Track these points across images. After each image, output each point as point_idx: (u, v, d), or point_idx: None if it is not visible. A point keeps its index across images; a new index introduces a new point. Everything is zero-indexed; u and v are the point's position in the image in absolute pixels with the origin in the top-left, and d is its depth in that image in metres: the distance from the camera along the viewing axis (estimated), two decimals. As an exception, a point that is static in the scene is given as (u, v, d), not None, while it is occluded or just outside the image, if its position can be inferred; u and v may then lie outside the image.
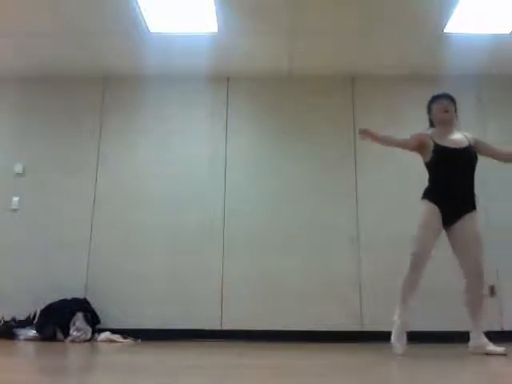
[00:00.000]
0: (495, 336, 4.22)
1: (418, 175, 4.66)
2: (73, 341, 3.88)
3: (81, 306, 4.16)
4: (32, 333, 3.98)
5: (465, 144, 3.18)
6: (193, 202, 4.63)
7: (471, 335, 3.22)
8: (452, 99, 3.29)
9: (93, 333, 4.08)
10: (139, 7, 3.85)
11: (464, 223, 3.11)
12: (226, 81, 4.90)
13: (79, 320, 4.02)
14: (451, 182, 3.13)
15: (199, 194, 4.65)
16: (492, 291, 4.36)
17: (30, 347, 3.30)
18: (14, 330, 4.05)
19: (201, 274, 4.46)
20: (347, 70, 4.80)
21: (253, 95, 4.86)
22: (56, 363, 2.24)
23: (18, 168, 4.70)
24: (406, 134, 4.76)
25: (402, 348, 3.12)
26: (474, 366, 2.28)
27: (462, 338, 4.01)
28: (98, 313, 4.24)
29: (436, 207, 3.11)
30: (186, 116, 4.83)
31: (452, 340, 4.17)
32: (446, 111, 3.22)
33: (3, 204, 4.63)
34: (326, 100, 4.84)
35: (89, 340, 3.99)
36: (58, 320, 4.00)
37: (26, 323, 4.13)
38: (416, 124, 4.79)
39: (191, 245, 4.53)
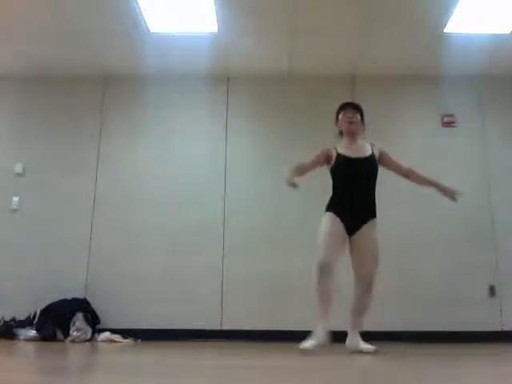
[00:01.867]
0: (495, 336, 4.24)
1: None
2: (73, 341, 3.88)
3: (81, 306, 4.16)
4: (32, 333, 3.98)
5: (367, 154, 3.19)
6: (193, 202, 4.63)
7: (348, 334, 3.21)
8: (358, 109, 3.29)
9: (93, 333, 4.08)
10: (139, 7, 3.85)
11: (363, 232, 3.11)
12: (226, 81, 4.90)
13: (79, 320, 4.02)
14: (350, 191, 3.15)
15: (199, 194, 4.65)
16: (492, 291, 4.36)
17: (30, 347, 3.30)
18: (14, 329, 4.05)
19: (201, 274, 4.46)
20: (347, 70, 4.80)
21: (253, 95, 4.86)
22: (56, 363, 2.24)
23: (18, 168, 4.70)
24: (405, 133, 4.78)
25: (315, 346, 3.03)
26: (476, 367, 2.28)
27: (451, 337, 4.01)
28: (98, 313, 4.24)
29: (337, 217, 3.10)
30: (186, 116, 4.83)
31: (442, 340, 4.18)
32: (351, 122, 3.22)
33: (3, 204, 4.63)
34: (325, 100, 4.84)
35: (89, 340, 3.99)
36: (58, 320, 4.00)
37: (26, 323, 4.13)
38: (416, 124, 4.81)
39: (191, 245, 4.53)
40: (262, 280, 4.43)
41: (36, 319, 4.11)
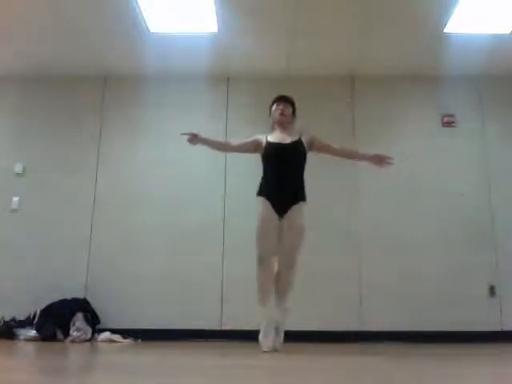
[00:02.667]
0: (495, 336, 4.24)
1: (419, 174, 4.68)
2: (73, 341, 3.88)
3: (81, 306, 4.16)
4: (32, 333, 3.98)
5: (294, 140, 3.33)
6: (193, 202, 4.63)
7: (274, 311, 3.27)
8: (290, 102, 3.48)
9: (93, 333, 4.08)
10: (139, 7, 3.85)
11: (291, 215, 3.21)
12: (226, 81, 4.90)
13: (79, 320, 4.02)
14: (278, 175, 3.26)
15: (199, 194, 4.65)
16: (492, 291, 4.36)
17: (30, 347, 3.30)
18: (14, 329, 4.05)
19: (201, 274, 4.46)
20: (347, 70, 4.80)
21: (253, 95, 4.85)
22: (56, 363, 2.24)
23: (18, 168, 4.70)
24: (405, 133, 4.78)
25: (268, 344, 3.15)
26: (476, 367, 2.28)
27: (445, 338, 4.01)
28: (98, 313, 4.24)
29: (267, 201, 3.21)
30: (185, 116, 4.83)
31: (438, 340, 4.18)
32: (282, 113, 3.41)
33: (3, 204, 4.62)
34: (325, 100, 4.84)
35: (89, 340, 3.99)
36: (58, 320, 4.00)
37: (26, 323, 4.13)
38: (416, 124, 4.81)
39: (191, 245, 4.53)
40: (262, 280, 4.42)
41: (36, 319, 4.11)
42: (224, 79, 4.89)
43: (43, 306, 4.13)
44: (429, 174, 4.67)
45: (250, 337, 4.24)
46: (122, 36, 4.27)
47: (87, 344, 3.76)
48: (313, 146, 3.40)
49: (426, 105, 4.81)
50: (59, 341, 3.91)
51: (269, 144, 3.34)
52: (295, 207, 3.22)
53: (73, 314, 4.04)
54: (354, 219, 4.56)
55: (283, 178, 3.25)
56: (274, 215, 3.20)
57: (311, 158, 4.77)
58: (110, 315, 4.30)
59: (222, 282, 4.43)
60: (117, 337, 4.05)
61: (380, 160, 3.41)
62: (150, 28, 4.11)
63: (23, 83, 4.93)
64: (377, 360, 2.57)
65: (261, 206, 3.23)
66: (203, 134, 4.80)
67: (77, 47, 4.45)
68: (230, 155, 4.71)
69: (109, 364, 2.23)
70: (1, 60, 4.68)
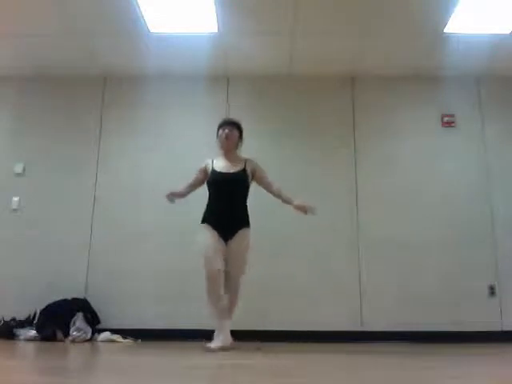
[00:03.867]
0: (495, 336, 4.24)
1: (418, 175, 4.68)
2: (73, 341, 3.88)
3: (81, 306, 4.16)
4: (32, 333, 3.98)
5: (238, 169, 3.48)
6: (193, 202, 4.62)
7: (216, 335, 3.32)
8: (236, 126, 3.59)
9: (93, 333, 4.07)
10: (139, 7, 3.85)
11: (234, 240, 3.37)
12: (226, 81, 4.90)
13: (79, 320, 4.01)
14: (221, 203, 3.42)
15: (199, 194, 4.63)
16: (492, 291, 4.36)
17: (30, 347, 3.30)
18: (14, 330, 4.05)
19: (201, 274, 4.44)
20: (347, 70, 4.80)
21: (253, 95, 4.86)
22: (56, 363, 2.24)
23: (18, 168, 4.70)
24: (405, 133, 4.78)
25: (217, 344, 3.23)
26: (476, 367, 2.28)
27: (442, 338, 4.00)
28: (98, 313, 4.24)
29: (212, 228, 3.37)
30: (185, 116, 4.83)
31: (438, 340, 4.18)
32: (227, 137, 3.52)
33: (3, 204, 4.62)
34: (326, 100, 4.84)
35: (89, 340, 3.99)
36: (58, 320, 3.99)
37: (26, 323, 4.12)
38: (416, 124, 4.81)
39: (191, 245, 4.51)
40: (262, 280, 4.42)
41: (36, 319, 4.11)
42: (224, 79, 4.89)
43: (43, 306, 4.12)
44: (428, 174, 4.67)
45: (250, 337, 4.25)
46: (122, 36, 4.27)
47: (87, 344, 3.76)
48: (254, 176, 3.54)
49: (426, 105, 4.81)
50: (59, 341, 3.91)
51: (213, 172, 3.49)
52: (239, 233, 3.38)
53: (73, 314, 4.04)
54: (353, 219, 4.56)
55: (227, 206, 3.41)
56: (219, 240, 3.35)
57: (315, 158, 4.79)
58: (109, 315, 4.30)
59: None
60: (117, 337, 4.05)
61: (303, 209, 3.49)
62: (149, 28, 4.11)
63: (23, 83, 4.93)
64: (377, 360, 2.57)
65: (205, 232, 3.38)
66: (203, 134, 4.83)
67: (77, 47, 4.45)
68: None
69: (109, 364, 2.23)
70: (1, 60, 4.68)
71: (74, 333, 3.93)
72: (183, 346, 3.56)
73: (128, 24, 4.08)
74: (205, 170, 3.57)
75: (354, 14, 3.93)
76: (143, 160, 4.73)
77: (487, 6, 3.79)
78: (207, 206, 3.49)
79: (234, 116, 4.81)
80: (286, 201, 3.53)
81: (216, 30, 4.13)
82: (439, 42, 4.31)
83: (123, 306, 4.36)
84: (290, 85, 4.88)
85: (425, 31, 4.16)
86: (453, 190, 4.60)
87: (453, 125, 4.75)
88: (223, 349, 3.19)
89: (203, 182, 3.59)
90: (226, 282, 3.37)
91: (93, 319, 4.15)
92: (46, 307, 4.11)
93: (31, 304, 4.20)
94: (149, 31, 4.16)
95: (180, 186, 3.63)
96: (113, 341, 4.00)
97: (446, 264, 4.45)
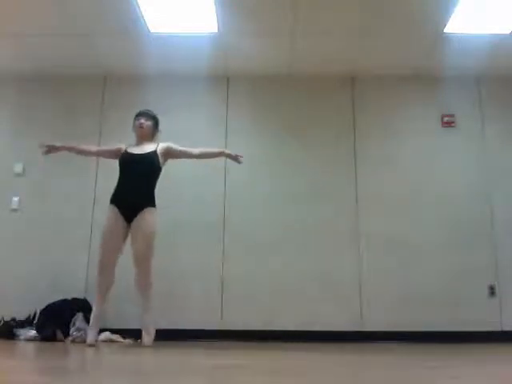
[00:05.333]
0: (495, 336, 4.24)
1: (418, 175, 4.68)
2: (73, 341, 3.88)
3: (81, 306, 4.16)
4: (32, 333, 3.98)
5: (148, 151, 3.61)
6: (193, 202, 4.63)
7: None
8: (152, 117, 3.76)
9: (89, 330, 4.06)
10: (139, 7, 3.85)
11: (138, 219, 3.47)
12: (226, 81, 4.90)
13: (79, 320, 4.01)
14: (128, 182, 3.55)
15: (199, 194, 4.65)
16: (492, 291, 4.36)
17: (30, 347, 3.30)
18: (14, 329, 4.04)
19: (201, 274, 4.46)
20: (347, 70, 4.80)
21: (253, 95, 4.86)
22: (56, 363, 2.24)
23: (18, 168, 4.70)
24: (405, 133, 4.78)
25: (92, 338, 3.41)
26: (476, 367, 2.28)
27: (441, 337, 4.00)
28: (98, 313, 4.23)
29: (116, 208, 3.49)
30: (185, 116, 4.83)
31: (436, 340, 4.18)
32: (141, 126, 3.69)
33: (3, 204, 4.63)
34: (325, 100, 4.85)
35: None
36: (58, 320, 3.99)
37: (26, 323, 4.12)
38: (416, 124, 4.81)
39: (191, 245, 4.53)
40: (262, 280, 4.43)
41: (36, 319, 4.11)
42: (224, 79, 4.90)
43: (43, 306, 4.12)
44: (428, 174, 4.67)
45: (249, 337, 4.26)
46: (122, 36, 4.27)
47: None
48: (169, 154, 3.68)
49: (426, 105, 4.81)
50: (59, 341, 3.91)
51: (125, 153, 3.62)
52: (145, 211, 3.48)
53: (73, 314, 4.04)
54: (354, 219, 4.56)
55: (132, 185, 3.53)
56: (120, 222, 3.47)
57: (315, 158, 4.79)
58: (109, 315, 4.29)
59: (222, 281, 4.43)
60: (117, 337, 4.05)
61: (234, 157, 3.73)
62: (150, 28, 4.11)
63: (23, 83, 4.93)
64: (377, 360, 2.57)
65: (108, 213, 3.51)
66: (203, 134, 4.84)
67: (77, 47, 4.45)
68: (230, 155, 4.72)
69: (109, 364, 2.23)
70: (1, 60, 4.68)
71: (74, 333, 3.93)
72: (183, 346, 3.56)
73: (128, 24, 4.08)
74: (118, 150, 3.68)
75: (353, 14, 3.93)
76: (143, 160, 4.72)
77: (487, 5, 3.79)
78: (116, 185, 3.58)
79: (234, 116, 4.84)
80: (216, 154, 3.77)
81: (216, 30, 4.14)
82: (439, 41, 4.31)
83: (123, 306, 4.36)
84: (290, 85, 4.88)
85: (425, 31, 4.16)
86: (453, 190, 4.60)
87: (453, 125, 4.75)
88: (90, 345, 3.34)
89: (110, 156, 3.71)
90: (134, 268, 3.51)
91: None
92: (46, 307, 4.11)
93: (31, 304, 4.21)
94: (149, 31, 4.16)
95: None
96: (113, 341, 4.00)
97: (446, 264, 4.45)
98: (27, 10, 3.91)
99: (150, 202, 3.54)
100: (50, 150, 3.59)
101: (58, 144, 3.61)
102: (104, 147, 3.85)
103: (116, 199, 3.53)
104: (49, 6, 3.85)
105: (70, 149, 3.68)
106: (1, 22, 4.08)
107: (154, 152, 3.62)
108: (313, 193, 4.64)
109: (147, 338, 3.48)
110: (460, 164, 4.67)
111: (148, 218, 3.49)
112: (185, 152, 3.71)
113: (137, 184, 3.53)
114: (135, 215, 3.48)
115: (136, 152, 3.61)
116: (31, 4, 3.83)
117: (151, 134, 3.74)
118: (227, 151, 3.79)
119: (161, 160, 3.64)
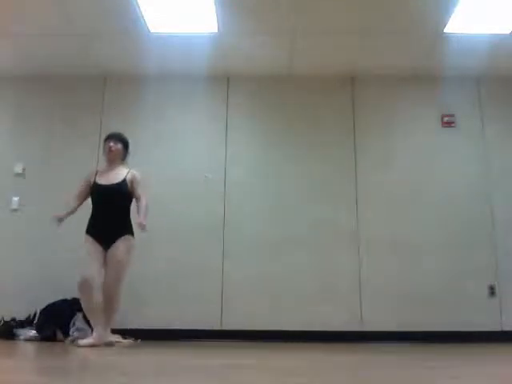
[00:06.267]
0: (495, 336, 4.24)
1: (418, 175, 4.68)
2: (73, 341, 3.88)
3: (81, 306, 4.15)
4: (32, 333, 3.98)
5: (118, 180, 3.64)
6: (193, 202, 4.63)
7: (98, 330, 3.50)
8: (121, 140, 3.78)
9: (93, 333, 4.07)
10: (139, 7, 3.85)
11: (112, 248, 3.54)
12: (226, 81, 4.90)
13: (79, 320, 4.01)
14: (101, 213, 3.60)
15: (199, 194, 4.65)
16: (492, 291, 4.36)
17: (30, 347, 3.30)
18: (14, 330, 4.05)
19: (201, 274, 4.46)
20: (347, 70, 4.80)
21: (253, 95, 4.86)
22: (56, 363, 2.24)
23: (18, 168, 4.70)
24: (405, 133, 4.78)
25: (92, 344, 3.42)
26: (476, 367, 2.28)
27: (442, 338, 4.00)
28: (98, 313, 4.23)
29: (91, 238, 3.54)
30: (185, 116, 4.83)
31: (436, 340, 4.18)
32: (111, 150, 3.72)
33: (3, 204, 4.62)
34: (326, 100, 4.85)
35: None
36: (58, 320, 3.99)
37: (26, 323, 4.12)
38: (416, 124, 4.81)
39: (191, 245, 4.53)
40: (262, 280, 4.43)
41: (36, 319, 4.11)
42: (224, 79, 4.90)
43: (43, 306, 4.13)
44: (428, 174, 4.67)
45: (250, 337, 4.26)
46: (121, 36, 4.27)
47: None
48: (132, 185, 3.67)
49: (426, 105, 4.81)
50: (59, 341, 3.91)
51: (94, 185, 3.65)
52: (119, 242, 3.53)
53: (73, 314, 4.04)
54: (353, 219, 4.56)
55: (104, 217, 3.57)
56: (98, 248, 3.52)
57: (315, 158, 4.79)
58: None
59: (222, 282, 4.43)
60: (117, 337, 4.04)
61: (140, 225, 3.52)
62: (149, 28, 4.11)
63: (23, 83, 4.93)
64: (377, 360, 2.57)
65: (86, 243, 3.54)
66: (203, 134, 4.84)
67: (77, 47, 4.45)
68: (230, 155, 4.72)
69: (109, 364, 2.23)
70: (1, 60, 4.67)
71: (74, 333, 3.93)
72: (183, 346, 3.56)
73: (128, 24, 4.08)
74: (87, 185, 3.71)
75: (353, 14, 3.93)
76: (143, 159, 4.73)
77: (487, 5, 3.79)
78: (90, 216, 3.63)
79: (234, 116, 4.84)
80: (139, 214, 3.61)
81: (216, 30, 4.13)
82: (439, 41, 4.31)
83: (123, 306, 4.35)
84: (290, 85, 4.88)
85: (425, 31, 4.16)
86: (453, 190, 4.60)
87: (453, 125, 4.75)
88: (94, 345, 3.37)
89: (88, 194, 3.71)
90: (102, 292, 3.51)
91: (93, 319, 4.14)
92: (46, 307, 4.11)
93: (31, 304, 4.21)
94: (149, 31, 4.16)
95: (68, 199, 3.71)
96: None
97: (446, 264, 4.45)
98: (27, 10, 3.91)
99: (124, 230, 3.59)
100: (59, 221, 3.64)
101: (62, 214, 3.63)
102: (78, 193, 3.73)
103: (92, 230, 3.57)
104: (49, 5, 3.85)
105: (70, 213, 3.68)
106: (1, 22, 4.08)
107: (123, 181, 3.64)
108: (313, 193, 4.64)
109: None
110: (460, 164, 4.67)
111: (121, 247, 3.54)
112: (137, 195, 3.64)
113: (108, 215, 3.58)
114: (110, 245, 3.54)
115: (104, 183, 3.63)
116: (31, 4, 3.83)
117: (121, 156, 3.78)
118: (138, 220, 3.51)
119: (129, 186, 3.66)
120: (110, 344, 3.57)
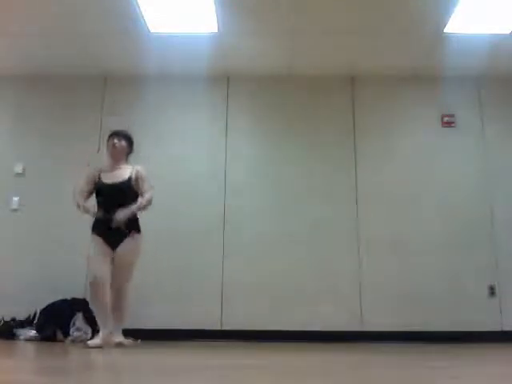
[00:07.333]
0: (495, 336, 4.24)
1: (418, 175, 4.68)
2: (73, 341, 3.88)
3: (81, 306, 4.16)
4: (32, 333, 3.98)
5: (123, 178, 3.59)
6: (193, 202, 4.63)
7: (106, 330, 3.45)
8: (126, 137, 3.71)
9: (93, 333, 4.07)
10: (139, 7, 3.85)
11: (120, 247, 3.48)
12: (226, 81, 4.90)
13: (79, 320, 4.01)
14: (107, 212, 3.49)
15: (199, 194, 4.65)
16: (492, 291, 4.36)
17: (30, 347, 3.30)
18: (14, 330, 4.05)
19: (201, 274, 4.46)
20: (347, 70, 4.80)
21: (253, 95, 4.86)
22: (56, 363, 2.24)
23: (18, 168, 4.70)
24: (405, 133, 4.78)
25: (100, 345, 3.36)
26: (476, 367, 2.28)
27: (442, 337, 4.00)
28: (98, 313, 4.23)
29: (99, 237, 3.47)
30: (186, 116, 4.83)
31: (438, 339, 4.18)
32: (114, 146, 3.65)
33: (3, 204, 4.62)
34: (326, 100, 4.85)
35: (89, 340, 3.98)
36: (58, 320, 3.99)
37: (26, 323, 4.12)
38: (416, 124, 4.81)
39: (191, 245, 4.53)
40: (262, 280, 4.43)
41: (36, 319, 4.11)
42: (224, 79, 4.89)
43: (43, 306, 4.13)
44: (428, 174, 4.67)
45: (250, 337, 4.26)
46: (121, 36, 4.27)
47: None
48: (136, 182, 3.61)
49: (426, 105, 4.81)
50: (59, 341, 3.91)
51: (100, 183, 3.59)
52: (125, 241, 3.48)
53: (73, 314, 4.04)
54: (354, 219, 4.56)
55: (113, 214, 3.46)
56: (106, 249, 3.45)
57: (315, 158, 4.79)
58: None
59: (222, 282, 4.43)
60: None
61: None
62: (149, 28, 4.11)
63: (23, 83, 4.93)
64: (377, 360, 2.57)
65: (93, 243, 3.48)
66: (203, 134, 4.84)
67: (77, 47, 4.45)
68: (230, 155, 4.72)
69: (109, 364, 2.23)
70: (1, 60, 4.67)
71: (74, 333, 3.93)
72: (183, 346, 3.56)
73: (128, 24, 4.08)
74: (92, 182, 3.64)
75: (353, 14, 3.93)
76: (143, 159, 4.72)
77: (487, 5, 3.79)
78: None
79: (234, 116, 4.84)
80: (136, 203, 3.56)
81: (216, 30, 4.13)
82: (439, 41, 4.31)
83: (123, 306, 4.36)
84: (290, 85, 4.88)
85: (425, 31, 4.16)
86: (453, 190, 4.60)
87: (453, 125, 4.75)
88: (102, 346, 3.33)
89: (92, 193, 3.65)
90: (111, 292, 3.48)
91: (93, 319, 4.14)
92: (46, 307, 4.11)
93: (31, 304, 4.21)
94: (149, 31, 4.16)
95: (79, 198, 3.62)
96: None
97: (446, 264, 4.45)
98: (27, 10, 3.91)
99: (131, 228, 3.52)
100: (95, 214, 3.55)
101: (92, 213, 3.55)
102: (84, 188, 3.64)
103: (98, 229, 3.50)
104: (49, 6, 3.85)
105: (88, 207, 3.59)
106: (1, 22, 4.08)
107: (129, 179, 3.59)
108: (313, 193, 4.64)
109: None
110: (460, 164, 4.67)
111: (130, 247, 3.49)
112: (141, 190, 3.60)
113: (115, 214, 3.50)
114: (118, 243, 3.47)
115: (109, 181, 3.57)
116: (31, 4, 3.83)
117: (125, 154, 3.70)
118: (133, 210, 3.52)
119: (134, 184, 3.60)
120: (119, 345, 3.52)
